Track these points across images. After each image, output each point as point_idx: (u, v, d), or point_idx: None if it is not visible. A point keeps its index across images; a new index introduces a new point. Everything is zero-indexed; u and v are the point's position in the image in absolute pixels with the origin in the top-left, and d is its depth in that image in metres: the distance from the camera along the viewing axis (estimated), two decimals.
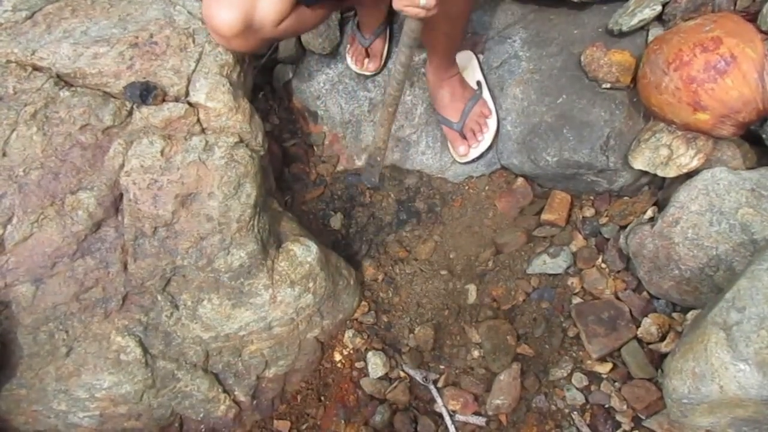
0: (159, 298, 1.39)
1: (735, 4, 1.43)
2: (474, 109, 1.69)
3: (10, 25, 1.52)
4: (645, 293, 1.46)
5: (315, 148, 1.93)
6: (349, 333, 1.58)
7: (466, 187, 1.77)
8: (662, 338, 1.37)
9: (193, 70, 1.50)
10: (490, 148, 1.71)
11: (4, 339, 1.31)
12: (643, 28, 1.53)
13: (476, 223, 1.72)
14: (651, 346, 1.39)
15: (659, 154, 1.40)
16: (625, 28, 1.52)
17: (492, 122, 1.70)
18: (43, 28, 1.53)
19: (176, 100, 1.46)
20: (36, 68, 1.44)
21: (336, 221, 1.80)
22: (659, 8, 1.48)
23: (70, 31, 1.52)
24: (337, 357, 1.57)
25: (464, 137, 1.72)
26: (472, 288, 1.62)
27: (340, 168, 1.89)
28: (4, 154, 1.31)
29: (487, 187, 1.75)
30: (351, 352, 1.57)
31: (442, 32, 1.49)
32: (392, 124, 1.51)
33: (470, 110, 1.69)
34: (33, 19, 1.55)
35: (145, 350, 1.38)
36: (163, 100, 1.45)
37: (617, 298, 1.47)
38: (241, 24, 1.38)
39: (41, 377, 1.35)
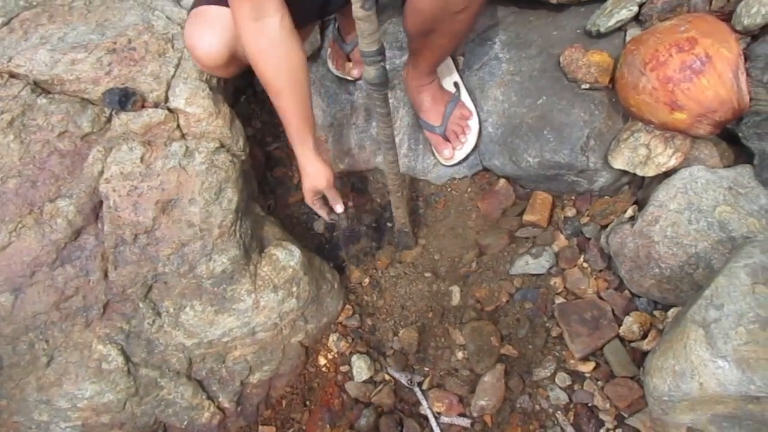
0: (141, 305, 1.37)
1: (710, 5, 1.44)
2: (455, 112, 1.70)
3: None
4: (626, 292, 1.47)
5: None
6: (333, 337, 1.58)
7: (449, 189, 1.78)
8: (644, 336, 1.39)
9: (173, 76, 1.49)
10: (474, 149, 1.72)
11: None
12: (621, 28, 1.55)
13: (459, 224, 1.73)
14: (633, 345, 1.40)
15: (638, 153, 1.41)
16: (602, 29, 1.53)
17: (473, 123, 1.70)
18: (20, 35, 1.52)
19: (156, 105, 1.45)
20: (12, 75, 1.43)
21: (319, 225, 1.80)
22: (636, 9, 1.49)
23: (47, 38, 1.50)
24: (322, 361, 1.57)
25: (447, 140, 1.73)
26: (455, 290, 1.62)
27: None
28: None
29: (469, 189, 1.76)
30: (336, 355, 1.57)
31: (437, 46, 1.50)
32: (406, 204, 1.63)
33: (451, 113, 1.70)
34: (9, 25, 1.53)
35: (128, 358, 1.37)
36: (143, 106, 1.44)
37: (599, 297, 1.48)
38: (225, 55, 1.39)
39: (22, 387, 1.34)
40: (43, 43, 1.49)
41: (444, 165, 1.77)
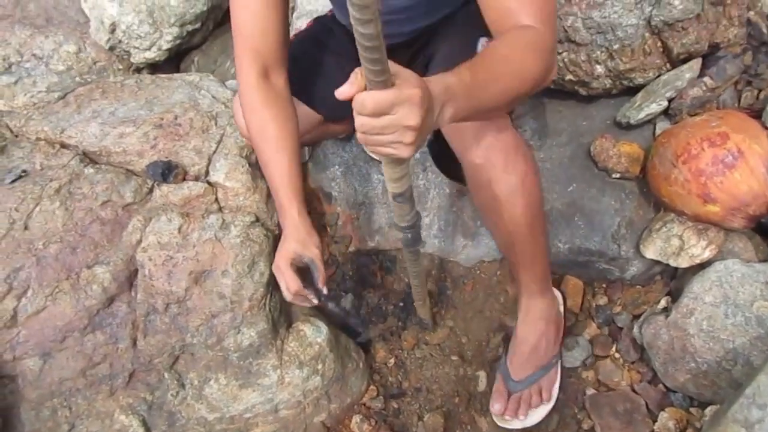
0: (166, 376, 1.37)
1: (739, 102, 1.48)
2: (543, 379, 1.44)
3: (43, 105, 1.60)
4: (661, 385, 1.42)
5: (328, 228, 1.95)
6: (356, 418, 1.54)
7: (478, 272, 1.77)
8: None
9: (214, 151, 1.55)
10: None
11: (6, 414, 1.28)
12: (650, 121, 1.58)
13: (487, 307, 1.71)
14: None
15: (671, 244, 1.41)
16: (632, 121, 1.57)
17: (554, 391, 1.46)
18: (74, 108, 1.61)
19: (196, 178, 1.50)
20: (64, 146, 1.50)
21: (347, 302, 1.79)
22: (665, 103, 1.53)
23: (99, 112, 1.59)
24: None
25: (508, 398, 1.46)
26: (482, 375, 1.59)
27: (352, 249, 1.91)
28: (26, 228, 1.33)
29: (498, 272, 1.75)
30: None
31: (515, 251, 1.34)
32: (427, 298, 1.55)
33: (539, 378, 1.44)
34: (65, 99, 1.63)
35: (148, 430, 1.35)
36: (184, 179, 1.49)
37: (633, 390, 1.44)
38: None
39: None
40: (94, 117, 1.57)
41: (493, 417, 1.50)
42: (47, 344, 1.30)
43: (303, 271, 1.27)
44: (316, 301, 1.28)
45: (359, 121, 0.78)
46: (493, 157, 1.18)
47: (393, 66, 0.75)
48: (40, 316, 1.30)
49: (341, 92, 0.76)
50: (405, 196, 1.04)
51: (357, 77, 0.75)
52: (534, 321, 1.42)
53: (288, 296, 1.27)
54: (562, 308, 1.52)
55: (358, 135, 0.81)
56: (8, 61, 2.04)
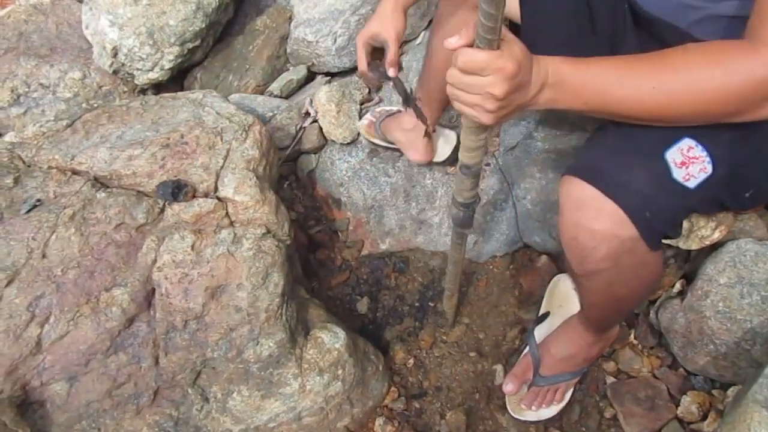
0: (189, 391, 1.39)
1: None
2: (566, 383, 1.47)
3: (52, 133, 1.63)
4: (681, 370, 1.42)
5: (339, 234, 1.97)
6: (379, 420, 1.55)
7: (491, 267, 1.78)
8: (704, 417, 1.33)
9: (222, 167, 1.57)
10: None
11: None
12: None
13: (502, 302, 1.72)
14: (693, 426, 1.34)
15: None
16: None
17: (568, 395, 1.48)
18: (82, 135, 1.63)
19: (206, 195, 1.52)
20: (75, 172, 1.53)
21: (362, 306, 1.81)
22: None
23: (106, 136, 1.61)
24: None
25: (523, 385, 1.50)
26: (499, 368, 1.59)
27: (364, 252, 1.92)
28: (43, 256, 1.36)
29: (511, 266, 1.76)
30: None
31: (605, 310, 1.30)
32: (457, 291, 1.55)
33: (563, 381, 1.46)
34: (73, 126, 1.65)
35: None
36: (194, 197, 1.51)
37: (653, 375, 1.43)
38: None
39: None
40: (103, 142, 1.59)
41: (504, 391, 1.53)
42: (72, 368, 1.33)
43: (379, 51, 1.30)
44: (374, 83, 1.37)
45: (451, 72, 0.80)
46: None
47: (507, 34, 0.77)
48: (63, 341, 1.33)
49: (449, 43, 0.78)
50: (472, 171, 1.05)
51: (467, 32, 0.77)
52: (578, 342, 1.42)
53: (359, 72, 1.34)
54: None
55: (447, 87, 0.82)
56: (16, 92, 2.08)
